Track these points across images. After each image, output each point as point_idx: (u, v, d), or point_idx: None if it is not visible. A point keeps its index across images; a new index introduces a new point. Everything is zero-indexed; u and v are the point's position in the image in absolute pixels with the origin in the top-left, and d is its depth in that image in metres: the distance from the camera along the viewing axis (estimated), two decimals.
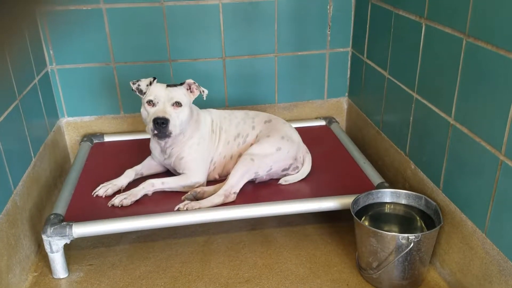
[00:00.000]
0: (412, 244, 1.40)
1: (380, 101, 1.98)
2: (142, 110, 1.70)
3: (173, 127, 1.64)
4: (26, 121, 1.75)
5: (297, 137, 1.86)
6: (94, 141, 2.18)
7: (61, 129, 2.22)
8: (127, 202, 1.67)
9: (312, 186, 1.81)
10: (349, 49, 2.30)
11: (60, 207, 1.64)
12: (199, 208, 1.63)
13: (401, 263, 1.45)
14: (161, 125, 1.62)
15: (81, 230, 1.54)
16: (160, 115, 1.62)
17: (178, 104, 1.66)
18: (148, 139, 1.89)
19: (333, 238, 1.77)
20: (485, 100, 1.28)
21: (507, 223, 1.23)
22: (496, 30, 1.21)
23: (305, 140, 1.91)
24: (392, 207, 1.65)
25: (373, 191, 1.65)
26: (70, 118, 2.23)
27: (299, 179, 1.83)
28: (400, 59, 1.79)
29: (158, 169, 1.89)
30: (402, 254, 1.42)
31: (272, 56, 2.26)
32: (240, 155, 1.79)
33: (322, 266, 1.64)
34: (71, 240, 1.55)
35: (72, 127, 2.24)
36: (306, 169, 1.85)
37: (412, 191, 1.63)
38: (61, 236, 1.53)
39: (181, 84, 1.72)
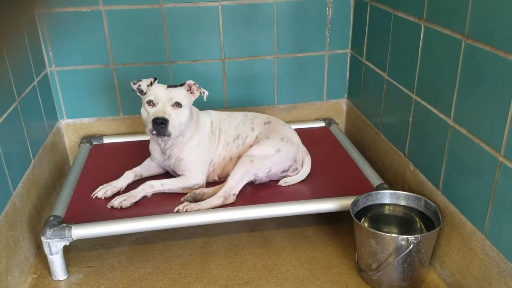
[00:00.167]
0: (411, 246, 1.40)
1: (380, 103, 1.98)
2: (142, 110, 1.70)
3: (172, 127, 1.64)
4: (25, 123, 1.75)
5: (296, 138, 1.86)
6: (94, 143, 2.18)
7: (60, 131, 2.22)
8: (126, 203, 1.66)
9: (311, 187, 1.81)
10: (348, 50, 2.30)
11: (59, 209, 1.64)
12: (199, 210, 1.63)
13: (401, 264, 1.45)
14: (160, 125, 1.62)
15: (80, 232, 1.53)
16: (160, 115, 1.62)
17: (178, 104, 1.66)
18: (147, 141, 1.89)
19: (332, 240, 1.77)
20: (484, 102, 1.28)
21: (506, 224, 1.23)
22: (495, 32, 1.21)
23: (304, 142, 1.91)
24: (391, 208, 1.65)
25: (372, 192, 1.65)
26: (70, 120, 2.23)
27: (299, 180, 1.83)
28: (399, 60, 1.79)
29: (157, 170, 1.89)
30: (402, 255, 1.42)
31: (272, 57, 2.26)
32: (239, 157, 1.79)
33: (322, 267, 1.63)
34: (70, 242, 1.55)
35: (72, 128, 2.24)
36: (305, 170, 1.85)
37: (412, 193, 1.63)
38: (60, 238, 1.52)
39: (182, 85, 1.72)
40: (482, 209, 1.32)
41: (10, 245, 1.50)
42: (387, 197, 1.65)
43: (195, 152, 1.77)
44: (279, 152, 1.76)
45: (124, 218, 1.59)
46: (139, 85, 1.70)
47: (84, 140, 2.18)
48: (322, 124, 2.34)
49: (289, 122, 2.27)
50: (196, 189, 1.74)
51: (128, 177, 1.79)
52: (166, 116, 1.62)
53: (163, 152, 1.80)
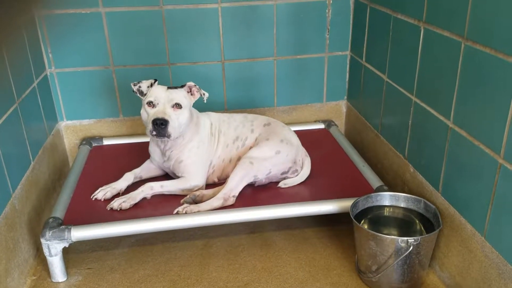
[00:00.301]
0: (411, 248, 1.40)
1: (379, 105, 1.99)
2: (142, 111, 1.70)
3: (172, 128, 1.64)
4: (25, 124, 1.75)
5: (296, 140, 1.86)
6: (93, 145, 2.18)
7: (60, 132, 2.22)
8: (126, 205, 1.66)
9: (311, 189, 1.81)
10: (348, 52, 2.31)
11: (59, 211, 1.64)
12: (198, 212, 1.63)
13: (401, 266, 1.44)
14: (160, 126, 1.62)
15: (79, 233, 1.53)
16: (160, 116, 1.62)
17: (178, 106, 1.66)
18: (147, 143, 1.89)
19: (332, 242, 1.77)
20: (484, 103, 1.28)
21: (506, 226, 1.23)
22: (495, 34, 1.22)
23: (304, 143, 1.91)
24: (391, 210, 1.64)
25: (372, 194, 1.65)
26: (69, 122, 2.23)
27: (298, 182, 1.83)
28: (398, 62, 1.79)
29: (157, 172, 1.89)
30: (402, 257, 1.42)
31: (271, 59, 2.26)
32: (239, 159, 1.79)
33: (322, 269, 1.63)
34: (70, 244, 1.54)
35: (71, 130, 2.24)
36: (305, 172, 1.85)
37: (411, 194, 1.63)
38: (60, 240, 1.52)
39: (182, 86, 1.72)
40: (482, 211, 1.32)
41: (9, 246, 1.50)
42: (386, 199, 1.65)
43: (195, 154, 1.77)
44: (278, 154, 1.76)
45: (123, 220, 1.59)
46: (140, 86, 1.70)
47: (84, 142, 2.17)
48: (321, 126, 2.34)
49: (289, 124, 2.27)
50: (196, 191, 1.74)
51: (128, 178, 1.79)
52: (166, 117, 1.63)
53: (163, 153, 1.80)
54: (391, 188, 1.84)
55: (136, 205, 1.69)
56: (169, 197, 1.74)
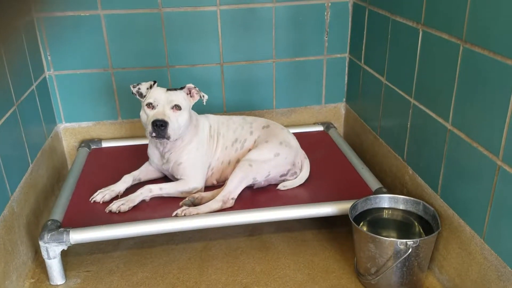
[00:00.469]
0: (410, 250, 1.40)
1: (378, 107, 1.99)
2: (141, 113, 1.70)
3: (171, 130, 1.64)
4: (24, 127, 1.75)
5: (295, 142, 1.86)
6: (92, 147, 2.18)
7: (59, 135, 2.21)
8: (124, 208, 1.66)
9: (310, 191, 1.81)
10: (347, 55, 2.31)
11: (58, 213, 1.64)
12: (197, 214, 1.63)
13: (400, 268, 1.44)
14: (160, 127, 1.62)
15: (78, 236, 1.53)
16: (160, 117, 1.62)
17: (177, 107, 1.66)
18: (146, 145, 1.89)
19: (331, 244, 1.77)
20: (483, 106, 1.29)
21: (505, 228, 1.23)
22: (493, 36, 1.22)
23: (303, 146, 1.91)
24: (390, 212, 1.64)
25: (371, 196, 1.65)
26: (68, 124, 2.23)
27: (298, 184, 1.83)
28: (397, 65, 1.79)
29: (155, 174, 1.89)
30: (401, 259, 1.42)
31: (270, 62, 2.26)
32: (238, 161, 1.79)
33: (321, 272, 1.63)
34: (68, 246, 1.54)
35: (70, 132, 2.24)
36: (304, 174, 1.85)
37: (410, 197, 1.63)
38: (58, 242, 1.52)
39: (182, 88, 1.72)
40: (481, 213, 1.32)
41: (8, 249, 1.50)
42: (385, 201, 1.65)
43: (194, 156, 1.77)
44: (277, 156, 1.76)
45: (122, 222, 1.59)
46: (139, 88, 1.70)
47: (83, 144, 2.17)
48: (320, 128, 2.34)
49: (288, 126, 2.27)
50: (195, 193, 1.74)
51: (127, 181, 1.79)
52: (166, 119, 1.63)
53: (162, 156, 1.80)
54: (390, 190, 1.84)
55: (135, 208, 1.69)
56: (168, 200, 1.74)
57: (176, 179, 1.79)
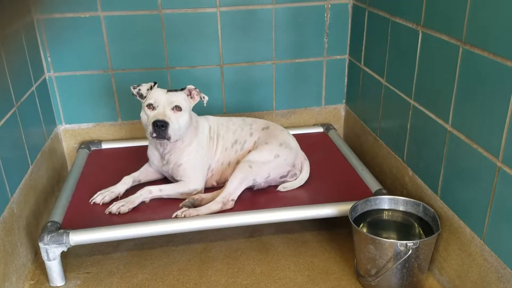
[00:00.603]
0: (410, 251, 1.40)
1: (378, 108, 1.99)
2: (142, 114, 1.70)
3: (172, 131, 1.64)
4: (24, 128, 1.75)
5: (295, 144, 1.86)
6: (92, 148, 2.18)
7: (59, 136, 2.21)
8: (124, 209, 1.66)
9: (310, 193, 1.81)
10: (346, 56, 2.31)
11: (57, 215, 1.63)
12: (197, 215, 1.63)
13: (400, 270, 1.44)
14: (160, 128, 1.62)
15: (78, 237, 1.53)
16: (160, 118, 1.62)
17: (178, 108, 1.66)
18: (146, 146, 1.89)
19: (331, 245, 1.77)
20: (482, 107, 1.29)
21: (505, 229, 1.23)
22: (493, 37, 1.22)
23: (303, 147, 1.91)
24: (390, 214, 1.64)
25: (371, 197, 1.65)
26: (68, 125, 2.23)
27: (297, 186, 1.83)
28: (397, 66, 1.79)
29: (155, 176, 1.89)
30: (401, 261, 1.42)
31: (270, 63, 2.26)
32: (237, 162, 1.79)
33: (321, 273, 1.63)
34: (68, 248, 1.54)
35: (70, 134, 2.24)
36: (304, 176, 1.85)
37: (410, 198, 1.63)
38: (58, 244, 1.52)
39: (182, 89, 1.73)
40: (481, 215, 1.32)
41: (7, 251, 1.50)
42: (385, 202, 1.65)
43: (194, 158, 1.77)
44: (277, 158, 1.76)
45: (122, 223, 1.59)
46: (139, 89, 1.70)
47: (82, 146, 2.17)
48: (320, 129, 2.34)
49: (288, 127, 2.27)
50: (195, 194, 1.74)
51: (126, 182, 1.79)
52: (166, 119, 1.63)
53: (162, 157, 1.80)
54: (390, 192, 1.84)
55: (134, 209, 1.68)
56: (168, 201, 1.73)
57: (176, 181, 1.79)
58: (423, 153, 1.63)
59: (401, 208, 1.63)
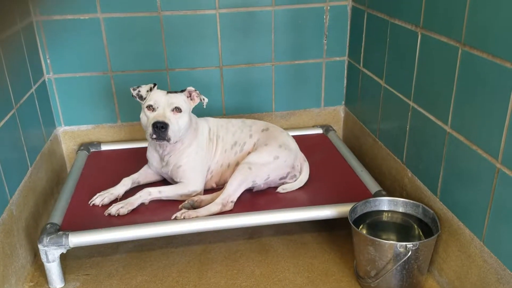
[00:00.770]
0: (410, 253, 1.40)
1: (377, 110, 1.99)
2: (141, 115, 1.70)
3: (172, 132, 1.64)
4: (23, 130, 1.75)
5: (294, 145, 1.86)
6: (91, 150, 2.18)
7: (58, 138, 2.21)
8: (123, 211, 1.66)
9: (309, 194, 1.80)
10: (346, 58, 2.31)
11: (57, 217, 1.63)
12: (197, 217, 1.63)
13: (399, 271, 1.44)
14: (160, 129, 1.62)
15: (77, 239, 1.53)
16: (160, 119, 1.62)
17: (178, 109, 1.67)
18: (145, 148, 1.89)
19: (331, 247, 1.77)
20: (482, 108, 1.29)
21: (504, 231, 1.23)
22: (492, 39, 1.22)
23: (302, 149, 1.91)
24: (389, 215, 1.64)
25: (370, 199, 1.65)
26: (67, 127, 2.23)
27: (297, 187, 1.83)
28: (396, 68, 1.80)
29: (154, 177, 1.89)
30: (400, 262, 1.41)
31: (269, 65, 2.26)
32: (237, 164, 1.79)
33: (320, 275, 1.63)
34: (68, 250, 1.54)
35: (69, 136, 2.24)
36: (303, 177, 1.85)
37: (410, 199, 1.63)
38: (58, 246, 1.52)
39: (182, 91, 1.73)
40: (480, 216, 1.32)
41: (6, 252, 1.49)
42: (385, 204, 1.65)
43: (193, 159, 1.77)
44: (277, 159, 1.76)
45: (121, 225, 1.59)
46: (139, 91, 1.70)
47: (82, 147, 2.17)
48: (320, 131, 2.34)
49: (287, 129, 2.27)
50: (194, 196, 1.74)
51: (126, 184, 1.79)
52: (166, 120, 1.63)
53: (161, 159, 1.80)
54: (390, 193, 1.84)
55: (134, 211, 1.68)
56: (167, 203, 1.73)
57: (175, 182, 1.79)
58: (422, 155, 1.64)
59: (401, 210, 1.63)
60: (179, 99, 1.68)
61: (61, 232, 1.53)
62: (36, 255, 1.73)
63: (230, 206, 1.68)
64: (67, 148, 2.26)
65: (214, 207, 1.66)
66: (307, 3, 2.17)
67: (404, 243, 1.39)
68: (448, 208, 1.49)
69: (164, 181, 1.88)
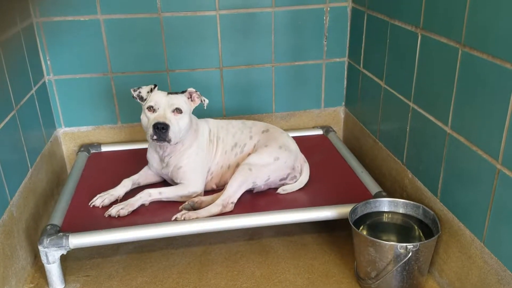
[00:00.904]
0: (410, 254, 1.40)
1: (377, 111, 1.99)
2: (142, 116, 1.70)
3: (172, 133, 1.64)
4: (23, 131, 1.75)
5: (294, 146, 1.86)
6: (91, 151, 2.18)
7: (58, 139, 2.21)
8: (124, 212, 1.66)
9: (310, 195, 1.80)
10: (346, 59, 2.31)
11: (57, 218, 1.63)
12: (197, 218, 1.62)
13: (400, 272, 1.44)
14: (161, 130, 1.62)
15: (77, 240, 1.53)
16: (161, 120, 1.62)
17: (178, 110, 1.67)
18: (145, 149, 1.89)
19: (331, 248, 1.77)
20: (482, 109, 1.29)
21: (505, 232, 1.23)
22: (492, 39, 1.22)
23: (302, 150, 1.91)
24: (390, 216, 1.64)
25: (370, 200, 1.64)
26: (67, 129, 2.23)
27: (297, 188, 1.83)
28: (396, 68, 1.80)
29: (155, 179, 1.89)
30: (401, 263, 1.41)
31: (269, 66, 2.27)
32: (237, 165, 1.79)
33: (321, 276, 1.63)
34: (68, 251, 1.54)
35: (69, 137, 2.24)
36: (304, 178, 1.85)
37: (410, 200, 1.63)
38: (58, 247, 1.52)
39: (183, 92, 1.73)
40: (481, 217, 1.32)
41: (7, 254, 1.49)
42: (385, 205, 1.65)
43: (194, 161, 1.77)
44: (277, 160, 1.76)
45: (121, 226, 1.59)
46: (139, 92, 1.70)
47: (82, 149, 2.17)
48: (320, 132, 2.34)
49: (287, 130, 2.27)
50: (194, 197, 1.74)
51: (126, 185, 1.79)
52: (167, 121, 1.63)
53: (162, 160, 1.80)
54: (390, 194, 1.84)
55: (134, 212, 1.68)
56: (168, 204, 1.73)
57: (176, 183, 1.79)
58: (422, 156, 1.64)
59: (401, 211, 1.63)
60: (180, 100, 1.69)
61: (61, 234, 1.53)
62: (36, 256, 1.73)
63: (230, 207, 1.68)
64: (67, 149, 2.26)
65: (215, 208, 1.66)
66: (307, 4, 2.17)
67: (405, 244, 1.39)
68: (449, 209, 1.49)
69: (165, 182, 1.88)
